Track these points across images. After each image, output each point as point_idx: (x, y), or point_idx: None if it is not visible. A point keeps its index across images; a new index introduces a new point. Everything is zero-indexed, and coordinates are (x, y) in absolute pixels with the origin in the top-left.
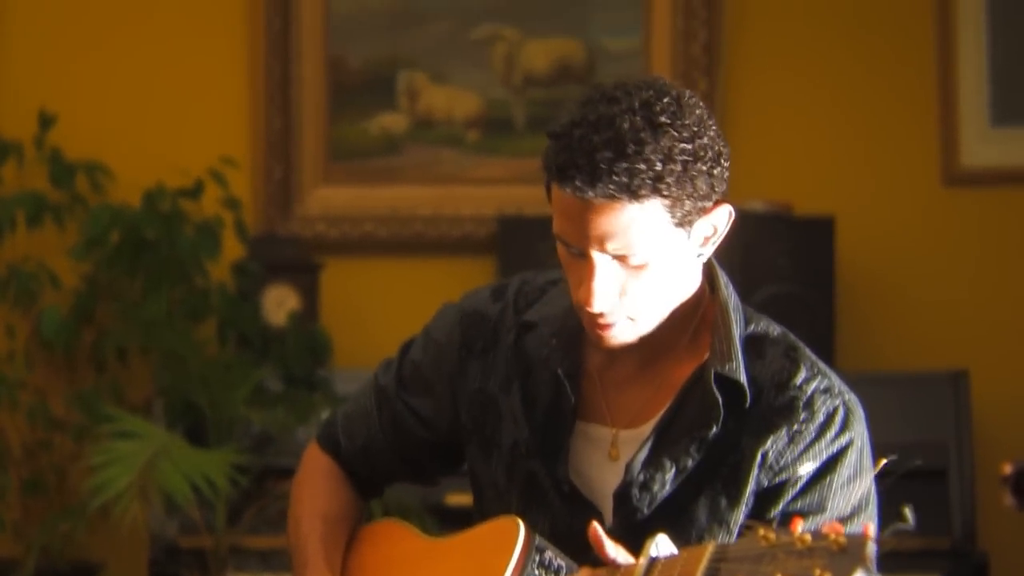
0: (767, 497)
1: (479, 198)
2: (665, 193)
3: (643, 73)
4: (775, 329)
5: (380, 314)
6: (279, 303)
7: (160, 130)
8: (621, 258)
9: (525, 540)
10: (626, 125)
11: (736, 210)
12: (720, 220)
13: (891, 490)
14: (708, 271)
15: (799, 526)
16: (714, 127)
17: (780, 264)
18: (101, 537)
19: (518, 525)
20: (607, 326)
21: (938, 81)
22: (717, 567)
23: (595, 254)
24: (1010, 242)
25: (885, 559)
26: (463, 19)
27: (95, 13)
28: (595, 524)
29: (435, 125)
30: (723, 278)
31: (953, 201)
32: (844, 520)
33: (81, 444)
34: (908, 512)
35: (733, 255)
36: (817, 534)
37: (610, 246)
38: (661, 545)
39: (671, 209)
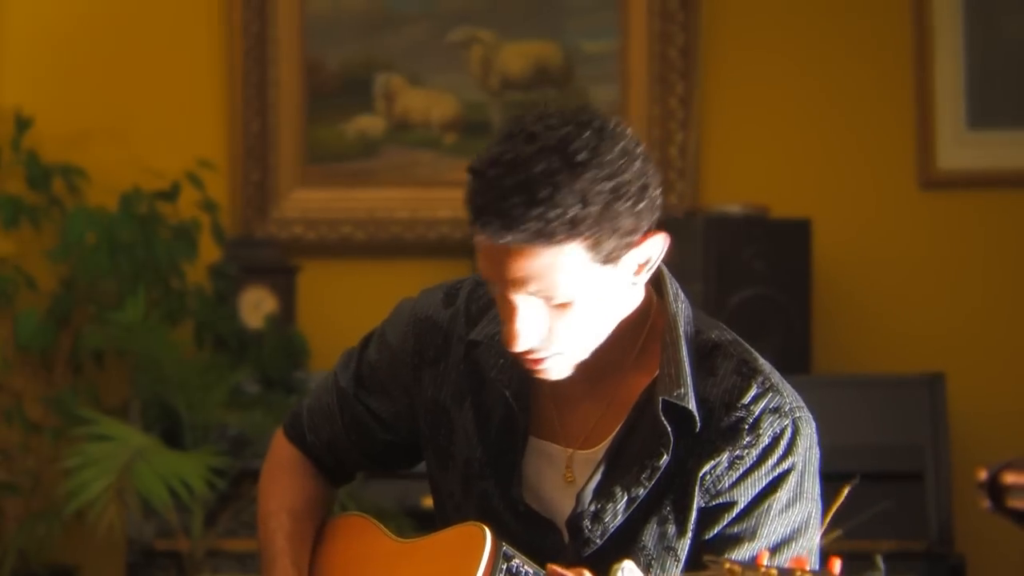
0: (703, 519)
1: (456, 201)
2: (585, 235)
3: (616, 76)
4: (728, 339)
5: (357, 317)
6: (256, 305)
7: (137, 133)
8: (545, 298)
9: (492, 548)
10: (540, 168)
11: (713, 213)
12: (654, 250)
13: (869, 492)
14: (657, 279)
15: (765, 558)
16: (641, 158)
17: (756, 267)
18: (78, 540)
19: (484, 532)
20: (537, 361)
21: (915, 84)
22: None
23: (516, 296)
24: (986, 245)
25: (861, 561)
26: (440, 22)
27: (72, 16)
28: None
29: (412, 128)
30: (672, 287)
31: (930, 204)
32: (782, 544)
33: (58, 447)
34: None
35: (709, 258)
36: (783, 568)
37: (531, 288)
38: (627, 572)
39: (592, 249)
